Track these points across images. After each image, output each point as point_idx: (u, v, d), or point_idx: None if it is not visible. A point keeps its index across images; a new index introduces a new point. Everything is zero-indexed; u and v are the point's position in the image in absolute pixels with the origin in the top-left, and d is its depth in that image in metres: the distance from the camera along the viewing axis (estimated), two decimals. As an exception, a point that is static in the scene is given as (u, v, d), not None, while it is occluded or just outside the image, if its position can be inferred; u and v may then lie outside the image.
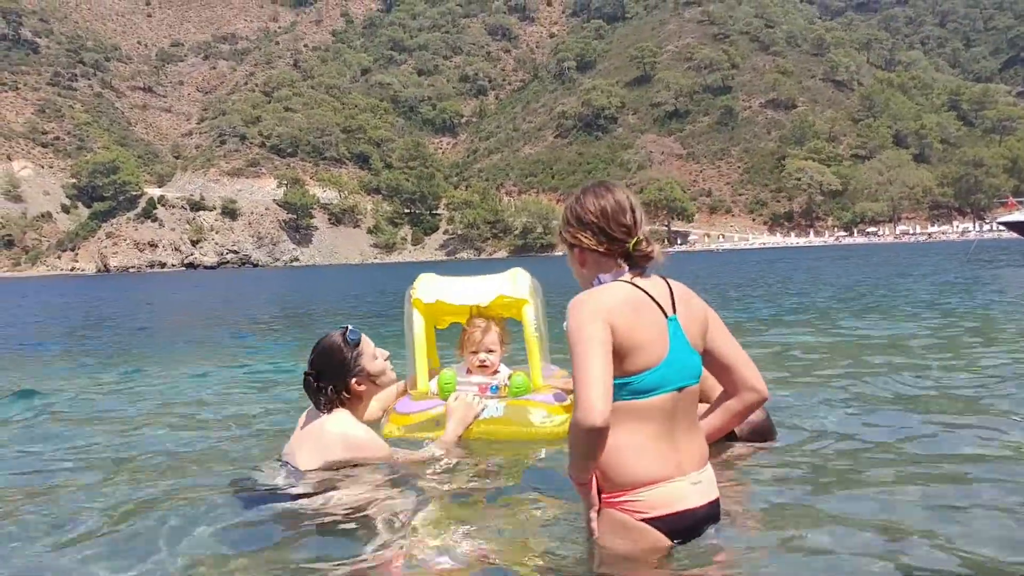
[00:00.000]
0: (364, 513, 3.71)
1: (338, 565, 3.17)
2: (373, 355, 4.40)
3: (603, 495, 2.85)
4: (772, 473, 4.17)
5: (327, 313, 23.13)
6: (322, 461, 4.19)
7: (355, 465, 4.21)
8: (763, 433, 4.60)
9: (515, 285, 4.95)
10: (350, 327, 4.40)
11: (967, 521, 3.37)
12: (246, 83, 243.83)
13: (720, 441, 4.05)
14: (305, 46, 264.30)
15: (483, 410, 4.64)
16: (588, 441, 2.68)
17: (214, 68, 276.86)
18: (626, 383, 2.75)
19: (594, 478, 2.84)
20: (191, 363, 10.73)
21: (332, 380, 4.26)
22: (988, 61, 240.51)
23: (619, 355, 2.72)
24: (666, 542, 2.81)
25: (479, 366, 4.89)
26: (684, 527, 2.82)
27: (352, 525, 3.61)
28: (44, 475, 4.91)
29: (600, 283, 2.91)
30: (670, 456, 2.80)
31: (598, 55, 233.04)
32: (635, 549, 2.81)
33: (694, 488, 2.83)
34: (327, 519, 3.68)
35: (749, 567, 2.92)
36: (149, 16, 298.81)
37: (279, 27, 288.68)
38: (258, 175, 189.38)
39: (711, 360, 2.99)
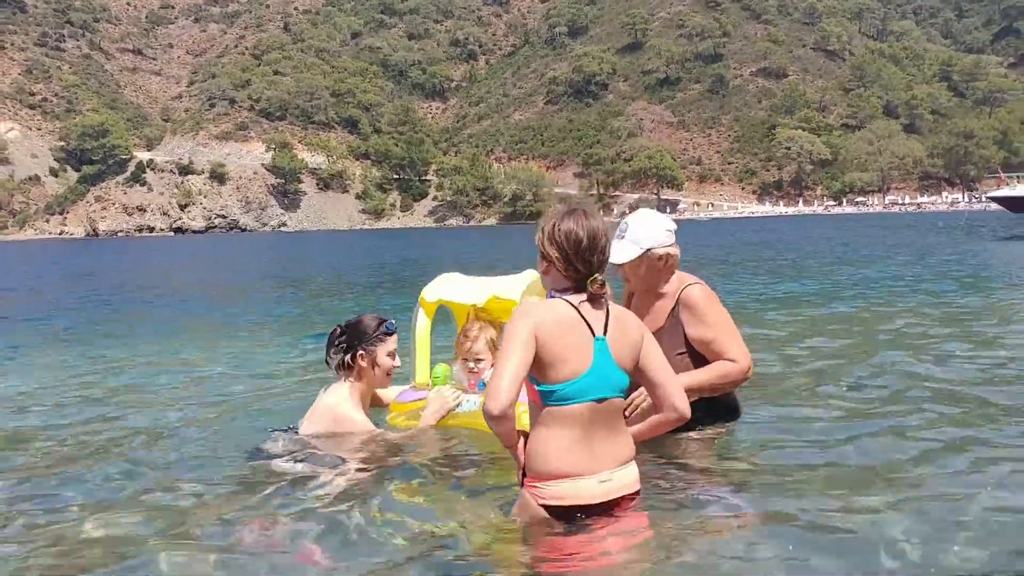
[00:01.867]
0: (322, 477, 4.37)
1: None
2: (389, 353, 4.92)
3: (525, 478, 3.35)
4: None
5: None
6: (312, 429, 4.85)
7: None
8: (733, 409, 4.91)
9: (509, 288, 5.09)
10: (392, 321, 4.99)
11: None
12: (236, 46, 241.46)
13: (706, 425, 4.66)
14: (295, 9, 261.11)
15: (458, 405, 4.90)
16: (493, 425, 3.20)
17: (204, 31, 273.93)
18: (552, 391, 3.20)
19: (520, 445, 3.35)
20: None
21: (347, 340, 4.88)
22: (980, 32, 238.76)
23: (543, 364, 3.18)
24: (553, 524, 3.29)
25: (469, 371, 5.14)
26: (568, 515, 3.27)
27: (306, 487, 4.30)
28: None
29: (551, 296, 3.36)
30: (582, 457, 3.23)
31: (590, 21, 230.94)
32: (531, 524, 3.35)
33: (600, 486, 3.26)
34: (292, 479, 4.40)
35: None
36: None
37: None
38: (247, 139, 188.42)
39: (642, 378, 3.42)
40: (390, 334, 4.93)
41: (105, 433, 5.82)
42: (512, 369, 3.13)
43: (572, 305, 3.27)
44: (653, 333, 4.03)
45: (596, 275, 3.27)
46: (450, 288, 5.30)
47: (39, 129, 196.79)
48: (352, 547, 3.54)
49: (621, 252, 4.47)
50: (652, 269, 4.55)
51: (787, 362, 7.61)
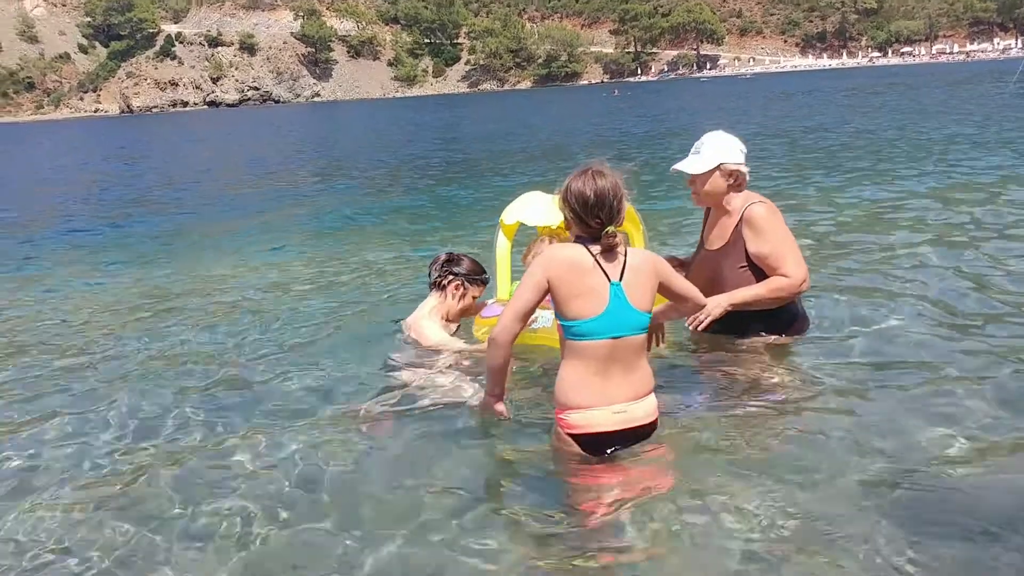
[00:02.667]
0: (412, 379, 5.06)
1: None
2: (474, 297, 5.69)
3: (556, 411, 3.73)
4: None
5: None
6: (404, 338, 5.59)
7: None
8: (795, 320, 5.24)
9: None
10: (488, 275, 5.73)
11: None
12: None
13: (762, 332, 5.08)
14: None
15: (534, 321, 4.95)
16: (493, 352, 3.71)
17: None
18: (569, 325, 3.56)
19: (500, 370, 3.81)
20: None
21: (450, 266, 5.62)
22: None
23: (559, 301, 3.58)
24: (579, 451, 3.67)
25: None
26: (592, 444, 3.64)
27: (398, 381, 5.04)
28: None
29: (575, 240, 3.72)
30: (599, 389, 3.58)
31: None
32: (562, 452, 3.75)
33: (614, 416, 3.60)
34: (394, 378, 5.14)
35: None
36: None
37: None
38: (274, 8, 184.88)
39: (670, 295, 3.89)
40: (485, 283, 5.71)
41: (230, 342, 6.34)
42: (518, 307, 3.61)
43: (591, 253, 3.58)
44: (719, 248, 5.02)
45: (609, 227, 3.58)
46: (527, 211, 5.58)
47: (64, 5, 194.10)
48: (409, 449, 4.14)
49: (695, 164, 4.97)
50: (717, 184, 4.96)
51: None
